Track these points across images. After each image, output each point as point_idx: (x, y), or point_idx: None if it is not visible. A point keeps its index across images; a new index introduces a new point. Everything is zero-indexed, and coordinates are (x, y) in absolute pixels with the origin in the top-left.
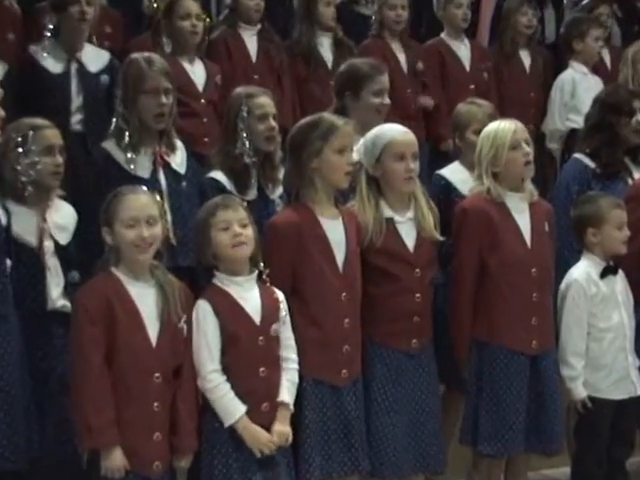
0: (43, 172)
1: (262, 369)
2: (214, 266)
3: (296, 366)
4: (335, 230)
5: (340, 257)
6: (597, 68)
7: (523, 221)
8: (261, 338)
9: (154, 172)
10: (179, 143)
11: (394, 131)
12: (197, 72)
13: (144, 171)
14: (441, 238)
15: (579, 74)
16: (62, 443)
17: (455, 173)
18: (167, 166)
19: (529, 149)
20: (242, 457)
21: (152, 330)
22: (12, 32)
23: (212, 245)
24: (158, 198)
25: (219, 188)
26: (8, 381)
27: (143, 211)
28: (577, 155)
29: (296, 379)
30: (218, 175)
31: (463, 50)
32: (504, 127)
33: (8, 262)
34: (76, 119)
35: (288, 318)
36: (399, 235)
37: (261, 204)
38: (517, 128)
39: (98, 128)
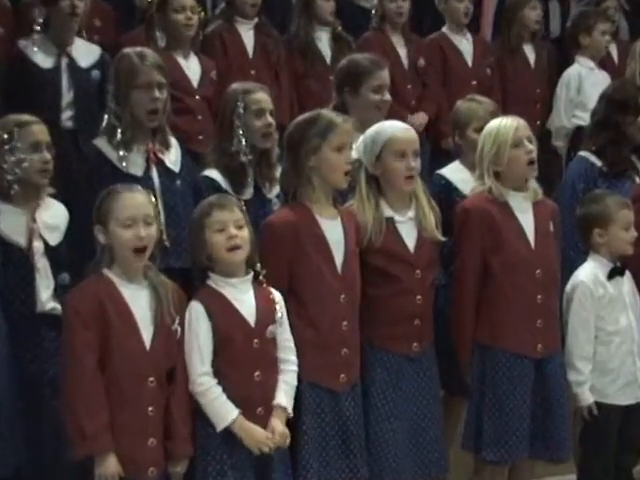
0: (30, 170)
1: (257, 373)
2: (209, 267)
3: (294, 368)
4: (333, 230)
5: (339, 258)
6: (604, 63)
7: (527, 221)
8: (256, 340)
9: (147, 170)
10: (173, 140)
11: (394, 128)
12: (192, 67)
13: (137, 169)
14: (442, 238)
15: (585, 69)
16: (54, 449)
17: (455, 172)
18: (161, 164)
19: (532, 147)
20: (237, 464)
21: (146, 333)
22: (1, 26)
23: (207, 246)
24: (152, 198)
25: (214, 187)
26: None
27: (140, 210)
28: (583, 153)
29: (294, 381)
30: (213, 173)
31: (465, 45)
32: (506, 124)
33: None
34: (67, 115)
35: (286, 319)
36: (399, 235)
37: (258, 203)
38: (519, 125)
39: (89, 125)
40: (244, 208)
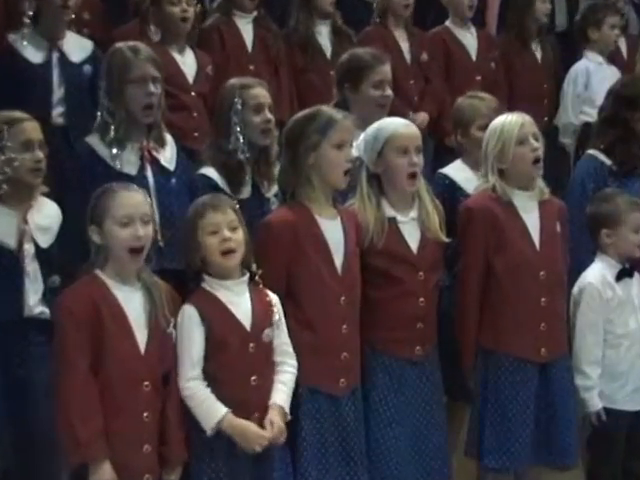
0: (21, 169)
1: (253, 377)
2: (203, 270)
3: (292, 370)
4: (333, 230)
5: (338, 259)
6: (613, 58)
7: (532, 221)
8: (252, 345)
9: (141, 169)
10: (169, 137)
11: (396, 124)
12: (187, 62)
13: (131, 168)
14: (446, 239)
15: (594, 64)
16: (43, 454)
17: (459, 171)
18: (155, 162)
19: (537, 145)
20: (234, 471)
21: (140, 336)
22: None
23: (200, 249)
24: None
25: (211, 185)
26: None
27: (138, 209)
28: (591, 151)
29: (291, 383)
30: (210, 172)
31: (469, 39)
32: (511, 121)
33: None
34: (58, 112)
35: (283, 322)
36: (402, 236)
37: (255, 203)
38: (525, 122)
39: (81, 121)
40: (238, 208)
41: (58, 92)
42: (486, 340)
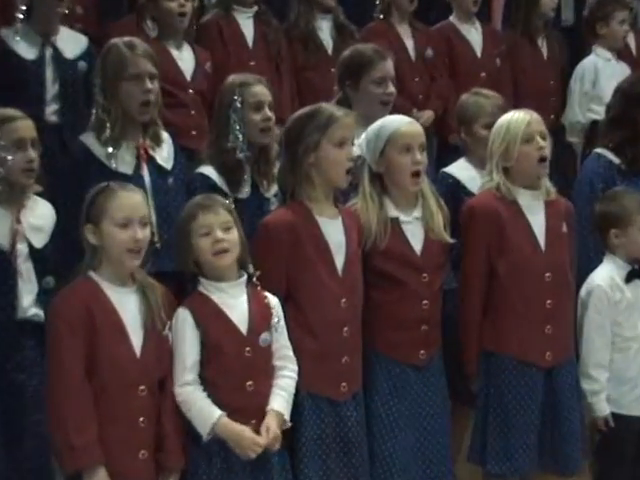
0: (14, 169)
1: (250, 383)
2: (197, 272)
3: (292, 375)
4: (334, 231)
5: (339, 260)
6: (621, 54)
7: (537, 221)
8: (248, 349)
9: (137, 168)
10: (166, 135)
11: (399, 122)
12: (185, 59)
13: (126, 167)
14: (451, 240)
15: (602, 60)
16: (36, 458)
17: (463, 170)
18: (152, 161)
19: (544, 143)
20: (231, 479)
21: (136, 339)
22: None
23: (193, 251)
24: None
25: (209, 185)
26: None
27: (137, 210)
28: (599, 150)
29: (290, 388)
30: (208, 171)
31: (474, 34)
32: (517, 118)
33: None
34: (51, 109)
35: (283, 325)
36: (405, 236)
37: (255, 202)
38: (532, 120)
39: (75, 119)
40: (233, 208)
41: (52, 89)
42: (489, 342)
